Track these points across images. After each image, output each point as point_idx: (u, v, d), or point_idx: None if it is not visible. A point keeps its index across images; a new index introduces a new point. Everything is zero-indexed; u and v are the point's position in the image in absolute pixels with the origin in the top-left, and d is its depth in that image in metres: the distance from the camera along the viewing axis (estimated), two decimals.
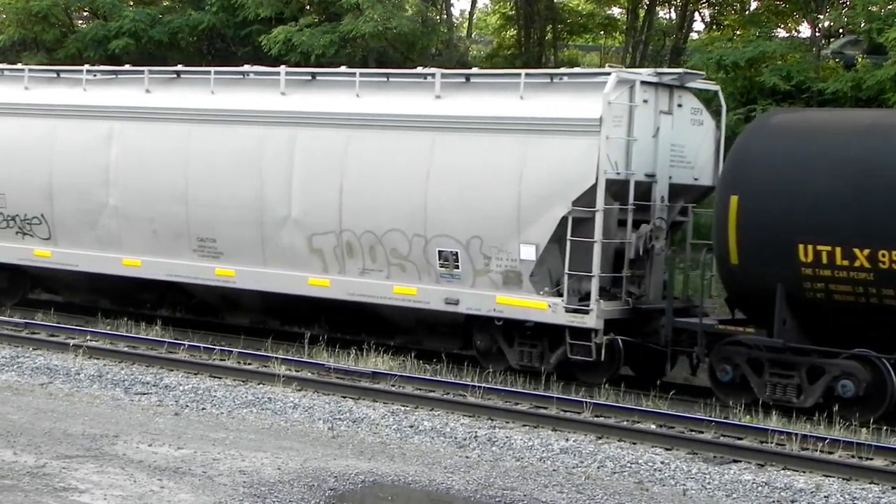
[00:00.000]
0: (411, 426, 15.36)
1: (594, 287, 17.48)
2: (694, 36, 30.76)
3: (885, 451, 14.45)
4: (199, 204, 20.61)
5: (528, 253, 17.95)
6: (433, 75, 19.16)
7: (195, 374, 18.16)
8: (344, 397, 16.91)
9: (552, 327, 17.91)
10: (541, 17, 29.70)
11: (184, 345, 19.61)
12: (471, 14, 36.96)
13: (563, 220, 17.59)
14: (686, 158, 18.68)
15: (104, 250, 21.64)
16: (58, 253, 22.16)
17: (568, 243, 17.54)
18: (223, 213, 20.39)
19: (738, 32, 28.77)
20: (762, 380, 16.63)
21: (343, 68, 21.37)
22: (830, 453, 14.40)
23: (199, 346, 19.44)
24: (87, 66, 22.77)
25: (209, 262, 20.66)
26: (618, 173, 17.64)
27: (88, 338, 20.24)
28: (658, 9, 31.32)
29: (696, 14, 31.40)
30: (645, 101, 17.96)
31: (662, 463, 13.97)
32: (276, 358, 18.69)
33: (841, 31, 26.35)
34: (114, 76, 22.39)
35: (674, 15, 32.26)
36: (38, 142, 22.27)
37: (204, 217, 20.62)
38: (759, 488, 13.10)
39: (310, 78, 20.48)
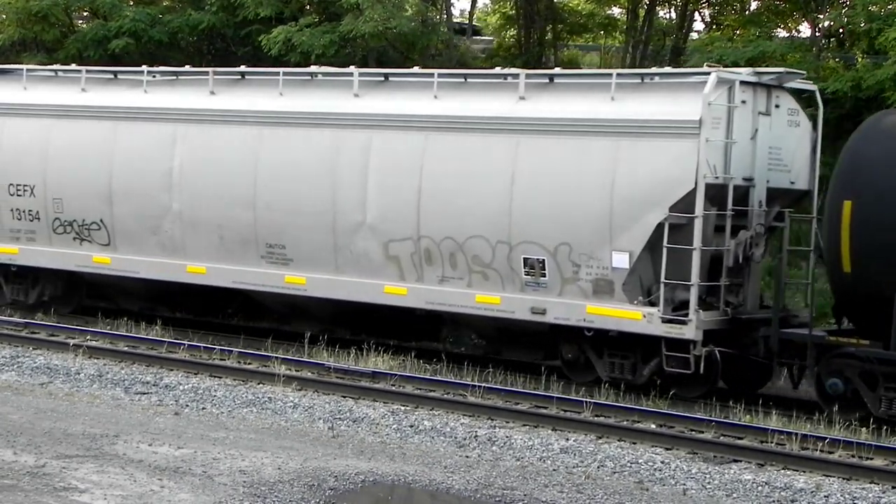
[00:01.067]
0: (411, 426, 15.36)
1: (693, 296, 16.79)
2: (694, 36, 30.73)
3: (885, 451, 14.45)
4: (268, 209, 19.95)
5: (621, 261, 17.26)
6: (516, 76, 18.59)
7: (195, 373, 18.16)
8: (344, 397, 16.91)
9: (645, 338, 17.20)
10: (541, 16, 29.68)
11: (184, 345, 19.61)
12: (471, 14, 36.96)
13: (659, 226, 16.90)
14: (783, 161, 17.97)
15: (167, 257, 21.00)
16: (118, 259, 21.49)
17: (664, 251, 16.86)
18: (294, 218, 19.72)
19: (738, 32, 28.75)
20: (876, 394, 15.83)
21: (416, 68, 20.78)
22: (830, 453, 14.40)
23: (199, 346, 19.44)
24: (147, 68, 22.12)
25: (278, 269, 19.96)
26: (716, 177, 16.97)
27: (88, 338, 20.24)
28: (658, 8, 31.29)
29: (696, 14, 31.38)
30: (743, 102, 17.33)
31: (662, 463, 13.98)
32: (276, 358, 18.69)
33: (841, 31, 26.33)
34: (174, 77, 21.83)
35: (674, 15, 32.24)
36: (96, 145, 21.58)
37: (273, 223, 19.94)
38: (759, 488, 13.11)
39: (383, 79, 19.86)
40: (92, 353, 19.12)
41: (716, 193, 17.04)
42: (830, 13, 25.69)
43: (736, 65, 21.75)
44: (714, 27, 30.67)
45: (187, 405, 16.25)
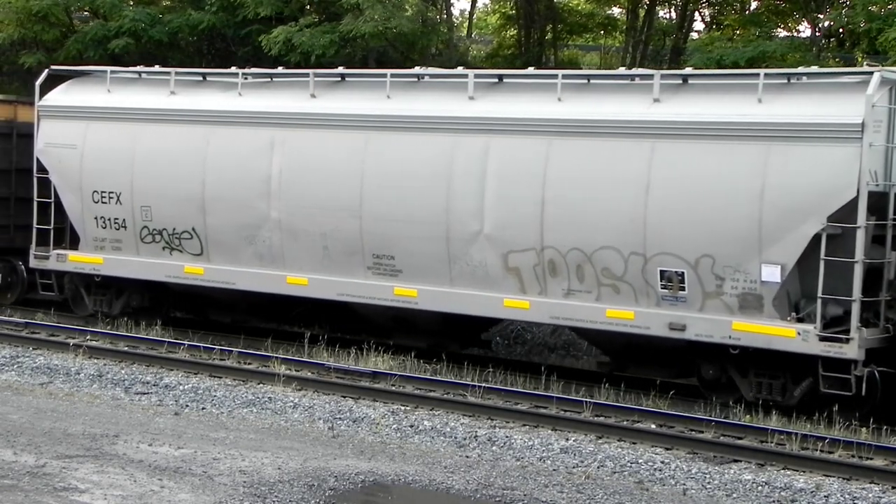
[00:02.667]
0: (411, 426, 15.36)
1: (855, 312, 15.72)
2: (694, 36, 30.73)
3: (885, 451, 14.46)
4: (375, 218, 18.90)
5: (772, 274, 16.20)
6: (648, 76, 17.71)
7: (195, 373, 18.16)
8: (344, 397, 16.91)
9: (797, 357, 16.16)
10: (541, 16, 29.68)
11: (184, 345, 19.62)
12: (471, 14, 37.00)
13: (815, 237, 15.89)
14: None
15: (265, 267, 19.98)
16: (211, 270, 20.44)
17: (821, 263, 15.78)
18: (403, 227, 18.69)
19: (738, 32, 28.75)
20: None
21: (531, 69, 19.91)
22: (830, 453, 14.41)
23: (199, 346, 19.45)
24: (241, 70, 21.16)
25: (386, 280, 18.93)
26: (877, 185, 16.02)
27: (88, 338, 20.25)
28: (658, 8, 31.30)
29: (696, 14, 31.39)
30: None
31: (662, 463, 13.98)
32: (276, 358, 18.69)
33: (841, 30, 26.34)
34: (269, 80, 20.84)
35: (674, 15, 32.25)
36: (188, 151, 20.57)
37: (381, 232, 18.90)
38: (759, 488, 13.11)
39: (497, 80, 18.83)
40: (92, 353, 19.12)
41: (874, 202, 16.02)
42: (830, 13, 25.70)
43: (736, 65, 21.76)
44: (714, 27, 30.67)
45: (187, 405, 16.25)
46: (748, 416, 16.20)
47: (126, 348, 19.73)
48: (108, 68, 22.55)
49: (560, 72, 18.54)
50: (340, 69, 20.75)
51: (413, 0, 26.57)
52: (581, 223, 17.43)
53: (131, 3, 28.56)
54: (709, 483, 13.28)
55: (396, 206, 18.76)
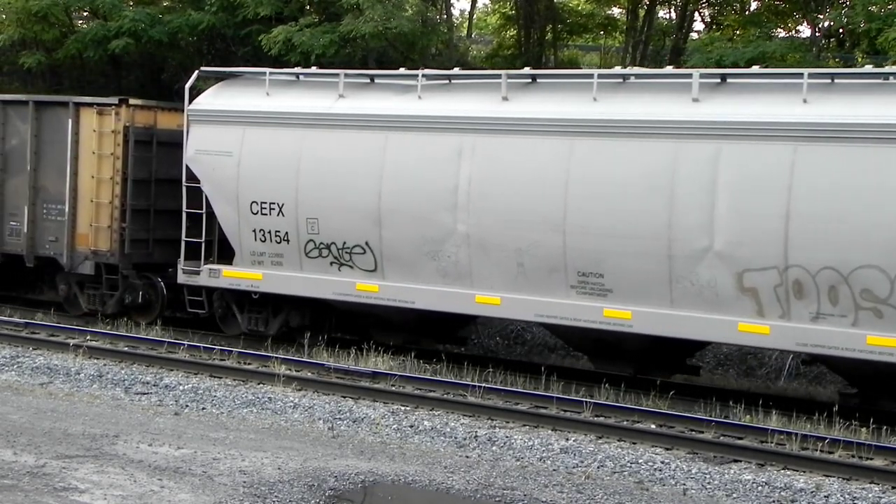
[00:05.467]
0: (411, 426, 15.36)
1: None
2: (694, 36, 30.72)
3: (885, 451, 14.47)
4: (581, 232, 17.30)
5: None
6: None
7: (195, 374, 18.17)
8: (344, 397, 16.92)
9: None
10: (541, 17, 29.68)
11: (184, 345, 19.63)
12: (471, 14, 37.01)
13: None
14: None
15: (449, 285, 18.40)
16: (387, 287, 18.84)
17: None
18: (615, 243, 17.06)
19: (738, 32, 28.76)
20: None
21: (756, 67, 18.44)
22: (830, 453, 14.42)
23: (198, 346, 19.46)
24: (421, 71, 19.63)
25: (594, 300, 17.33)
26: None
27: (88, 338, 20.25)
28: (658, 8, 31.30)
29: (696, 14, 31.38)
30: None
31: (662, 463, 13.98)
32: (276, 358, 18.70)
33: (841, 31, 26.34)
34: (447, 81, 19.17)
35: (674, 15, 32.25)
36: (361, 159, 19.00)
37: (588, 248, 17.27)
38: (759, 488, 13.11)
39: (719, 81, 17.22)
40: (92, 353, 19.13)
41: None
42: (830, 13, 25.68)
43: (735, 65, 21.75)
44: (714, 27, 30.67)
45: (187, 405, 16.25)
46: (748, 417, 16.21)
47: (126, 348, 19.73)
48: (267, 70, 20.88)
49: (805, 70, 16.66)
50: (527, 69, 19.33)
51: (413, 0, 26.56)
52: (835, 239, 15.75)
53: (131, 3, 28.56)
54: (709, 483, 13.28)
55: (607, 220, 17.14)
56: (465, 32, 35.61)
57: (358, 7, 24.63)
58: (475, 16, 37.58)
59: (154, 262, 21.89)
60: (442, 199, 18.32)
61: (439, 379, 17.94)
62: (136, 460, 12.33)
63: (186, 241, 20.72)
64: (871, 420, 15.61)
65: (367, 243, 19.04)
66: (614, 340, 17.72)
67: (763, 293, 16.24)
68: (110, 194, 21.54)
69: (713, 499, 12.80)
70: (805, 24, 28.46)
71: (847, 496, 12.91)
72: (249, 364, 18.72)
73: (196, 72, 21.15)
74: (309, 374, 18.21)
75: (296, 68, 21.51)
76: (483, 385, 17.24)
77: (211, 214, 20.56)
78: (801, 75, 16.44)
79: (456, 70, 20.32)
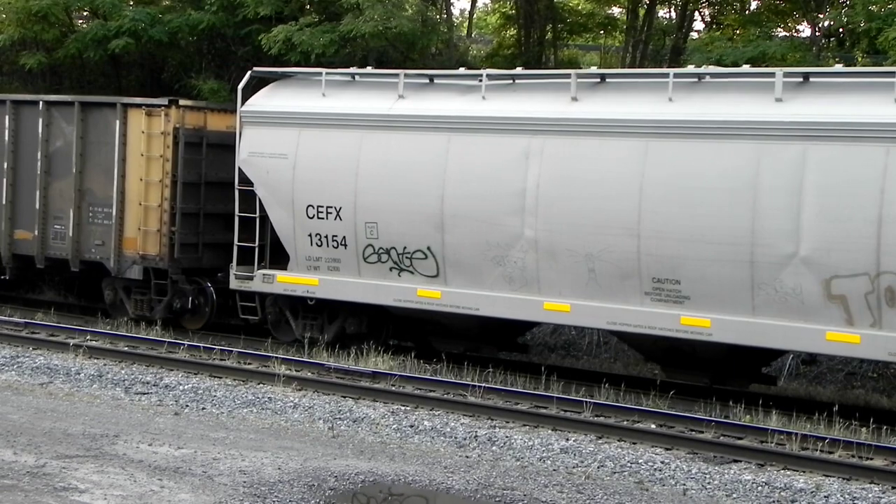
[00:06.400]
0: (411, 426, 15.37)
1: None
2: (694, 35, 30.72)
3: (885, 451, 14.47)
4: (657, 237, 16.77)
5: None
6: None
7: (195, 373, 18.17)
8: (344, 397, 16.92)
9: None
10: (541, 16, 29.68)
11: (184, 345, 19.62)
12: (471, 14, 37.01)
13: None
14: None
15: (515, 291, 17.89)
16: (450, 293, 18.35)
17: None
18: (693, 248, 16.54)
19: (738, 32, 28.76)
20: None
21: (840, 66, 17.94)
22: (830, 453, 14.42)
23: (199, 346, 19.46)
24: (486, 71, 19.27)
25: (669, 308, 16.82)
26: None
27: (88, 338, 20.25)
28: (658, 8, 31.30)
29: (696, 14, 31.38)
30: None
31: (662, 463, 13.98)
32: (276, 358, 18.70)
33: (841, 30, 26.34)
34: (511, 81, 18.66)
35: (674, 14, 32.25)
36: (424, 161, 18.50)
37: (664, 253, 16.76)
38: (759, 488, 13.11)
39: (801, 80, 16.63)
40: (92, 353, 19.13)
41: None
42: (830, 13, 25.69)
43: (735, 65, 21.75)
44: (714, 27, 30.67)
45: (187, 405, 16.25)
46: (748, 417, 16.21)
47: (126, 348, 19.73)
48: (322, 70, 20.37)
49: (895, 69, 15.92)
50: (593, 69, 18.35)
51: (413, 0, 26.57)
52: None
53: (131, 2, 28.56)
54: (709, 483, 13.28)
55: (684, 224, 16.62)
56: (465, 32, 35.60)
57: (358, 7, 24.63)
58: (475, 15, 37.59)
59: (203, 267, 21.43)
60: (508, 203, 17.85)
61: (439, 379, 17.94)
62: (136, 460, 12.33)
63: (239, 246, 20.29)
64: (871, 420, 15.62)
65: (428, 248, 18.59)
66: (689, 349, 17.28)
67: (852, 301, 15.69)
68: (159, 197, 21.06)
69: (713, 499, 12.81)
70: (805, 23, 28.46)
71: (847, 496, 12.91)
72: (249, 364, 18.72)
73: (248, 72, 20.62)
74: (309, 374, 18.21)
75: (351, 68, 21.00)
76: (483, 385, 17.24)
77: (264, 218, 20.11)
78: (891, 73, 15.91)
79: (519, 70, 19.97)
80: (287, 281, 19.82)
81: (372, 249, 19.03)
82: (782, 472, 13.81)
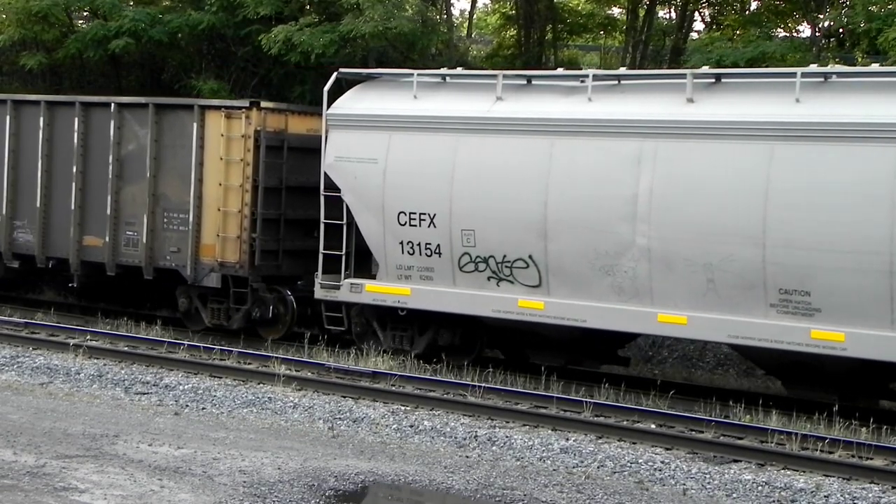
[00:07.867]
0: (411, 426, 15.37)
1: None
2: (694, 36, 30.72)
3: (885, 451, 14.47)
4: (784, 246, 15.95)
5: None
6: None
7: (195, 373, 18.17)
8: (344, 397, 16.92)
9: None
10: (541, 16, 29.68)
11: (184, 344, 19.63)
12: (471, 14, 37.03)
13: None
14: None
15: (625, 302, 17.10)
16: (554, 304, 17.52)
17: None
18: (825, 258, 15.69)
19: (738, 32, 28.76)
20: None
21: None
22: (830, 453, 14.42)
23: (198, 346, 19.45)
24: (592, 71, 18.71)
25: (798, 321, 15.95)
26: None
27: (88, 338, 20.25)
28: (658, 8, 31.30)
29: (696, 14, 31.39)
30: None
31: (662, 462, 13.98)
32: (276, 358, 18.70)
33: (841, 31, 26.34)
34: (616, 82, 17.96)
35: (674, 15, 32.25)
36: (524, 166, 17.74)
37: (792, 263, 15.92)
38: (759, 488, 13.11)
39: None
40: (92, 353, 19.13)
41: None
42: (830, 13, 25.69)
43: (735, 65, 21.74)
44: (714, 27, 30.67)
45: (187, 405, 16.25)
46: (748, 417, 16.21)
47: (126, 348, 19.73)
48: (414, 71, 19.60)
49: None
50: (705, 68, 18.09)
51: (413, 0, 26.57)
52: None
53: (131, 3, 28.57)
54: (709, 483, 13.28)
55: (815, 232, 15.79)
56: (465, 32, 35.62)
57: (358, 7, 24.64)
58: (475, 16, 37.60)
59: (283, 275, 20.85)
60: (618, 210, 17.05)
61: (439, 379, 17.94)
62: (136, 460, 12.33)
63: (325, 254, 19.53)
64: (871, 420, 15.62)
65: (530, 257, 17.78)
66: (817, 364, 16.43)
67: None
68: (239, 202, 20.40)
69: (713, 499, 12.80)
70: (805, 24, 28.47)
71: (847, 496, 12.91)
72: (249, 364, 18.72)
73: (335, 73, 19.82)
74: (309, 373, 18.21)
75: (442, 69, 20.48)
76: (483, 385, 17.24)
77: (350, 225, 19.36)
78: None
79: (622, 70, 19.19)
80: (376, 290, 19.07)
81: (468, 258, 18.30)
82: (782, 471, 13.81)
